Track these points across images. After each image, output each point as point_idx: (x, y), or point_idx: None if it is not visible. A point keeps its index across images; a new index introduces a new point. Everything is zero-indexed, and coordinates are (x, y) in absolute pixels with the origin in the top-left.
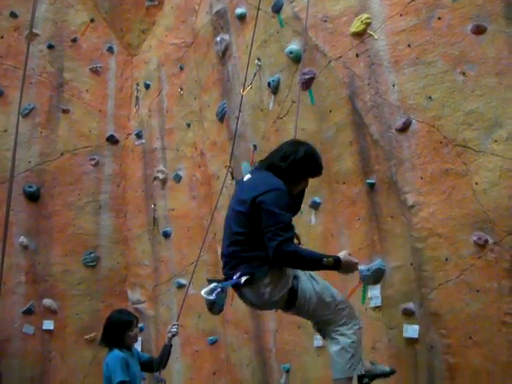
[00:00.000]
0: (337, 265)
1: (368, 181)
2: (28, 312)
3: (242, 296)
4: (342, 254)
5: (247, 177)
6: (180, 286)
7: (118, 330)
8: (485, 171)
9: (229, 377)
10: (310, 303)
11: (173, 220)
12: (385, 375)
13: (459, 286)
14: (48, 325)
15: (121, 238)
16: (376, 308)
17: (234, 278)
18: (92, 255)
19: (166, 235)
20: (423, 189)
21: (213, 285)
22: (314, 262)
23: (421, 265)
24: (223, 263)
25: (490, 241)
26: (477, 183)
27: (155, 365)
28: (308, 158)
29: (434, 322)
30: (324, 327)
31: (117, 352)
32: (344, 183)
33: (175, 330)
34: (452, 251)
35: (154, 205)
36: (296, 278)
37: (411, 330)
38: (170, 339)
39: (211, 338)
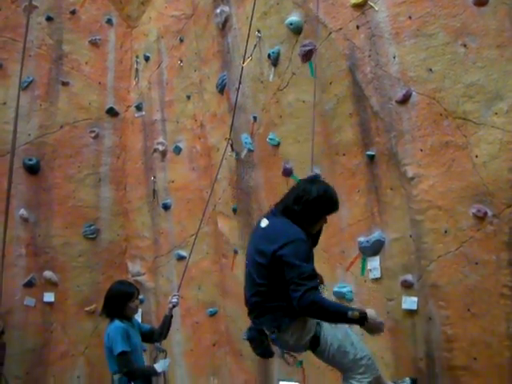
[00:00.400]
0: (362, 319)
1: (368, 153)
2: (29, 284)
3: (272, 340)
4: (368, 311)
5: (264, 223)
6: (180, 258)
7: (119, 301)
8: (485, 144)
9: (228, 348)
10: (330, 350)
11: (173, 192)
12: None
13: (458, 258)
14: (49, 297)
15: (121, 211)
16: (375, 280)
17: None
18: (92, 227)
19: (166, 207)
20: (423, 161)
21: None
22: (339, 314)
23: (420, 237)
24: (248, 310)
25: (489, 213)
26: (477, 156)
27: (156, 335)
28: (321, 198)
29: (432, 293)
30: (342, 372)
31: (117, 323)
32: (344, 155)
33: (176, 300)
34: (451, 223)
35: (154, 177)
36: (319, 324)
37: (410, 302)
38: (171, 310)
39: (211, 309)
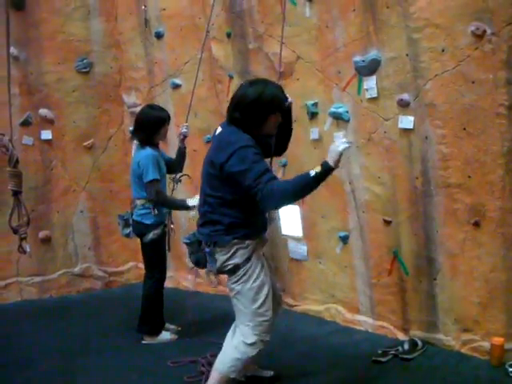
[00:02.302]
0: (328, 168)
1: None
2: (25, 123)
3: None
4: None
5: (218, 130)
6: (175, 87)
7: (153, 126)
8: None
9: None
10: (240, 286)
11: (165, 20)
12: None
13: (455, 77)
14: (46, 135)
15: (113, 42)
16: (372, 99)
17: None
18: (85, 61)
19: (159, 36)
20: None
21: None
22: (304, 181)
23: (417, 56)
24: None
25: (488, 31)
26: None
27: (175, 166)
28: (258, 100)
29: (429, 112)
30: (236, 314)
31: (150, 150)
32: None
33: (185, 130)
34: (449, 42)
35: (145, 6)
36: (249, 259)
37: (406, 121)
38: (183, 141)
39: (208, 136)
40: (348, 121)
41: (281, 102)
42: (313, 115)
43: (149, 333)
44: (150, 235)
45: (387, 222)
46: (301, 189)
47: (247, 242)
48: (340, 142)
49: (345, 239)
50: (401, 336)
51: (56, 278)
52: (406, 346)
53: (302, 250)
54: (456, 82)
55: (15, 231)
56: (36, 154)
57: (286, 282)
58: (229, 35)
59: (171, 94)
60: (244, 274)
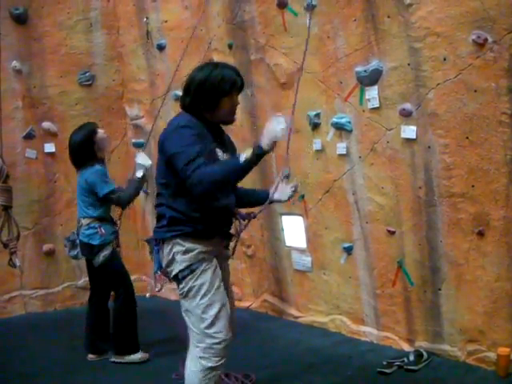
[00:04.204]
0: (260, 151)
1: None
2: (28, 137)
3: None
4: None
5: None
6: (177, 99)
7: (88, 146)
8: None
9: None
10: (188, 301)
11: (166, 32)
12: None
13: (457, 86)
14: (49, 148)
15: (115, 55)
16: (374, 109)
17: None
18: (87, 74)
19: (161, 48)
20: None
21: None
22: (233, 168)
23: (419, 65)
24: None
25: (490, 39)
26: None
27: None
28: (205, 82)
29: (431, 122)
30: (189, 334)
31: (98, 167)
32: None
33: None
34: (450, 51)
35: (147, 18)
36: (190, 271)
37: (409, 131)
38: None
39: None
40: (351, 131)
41: (233, 83)
42: (315, 126)
43: (125, 352)
44: (100, 258)
45: (391, 233)
46: (231, 175)
47: (187, 245)
48: (278, 125)
49: (349, 250)
50: (406, 347)
51: (60, 290)
52: (411, 357)
53: (305, 261)
54: (458, 90)
55: (5, 245)
56: (39, 167)
57: (290, 294)
58: (230, 46)
59: (173, 105)
60: (189, 290)
